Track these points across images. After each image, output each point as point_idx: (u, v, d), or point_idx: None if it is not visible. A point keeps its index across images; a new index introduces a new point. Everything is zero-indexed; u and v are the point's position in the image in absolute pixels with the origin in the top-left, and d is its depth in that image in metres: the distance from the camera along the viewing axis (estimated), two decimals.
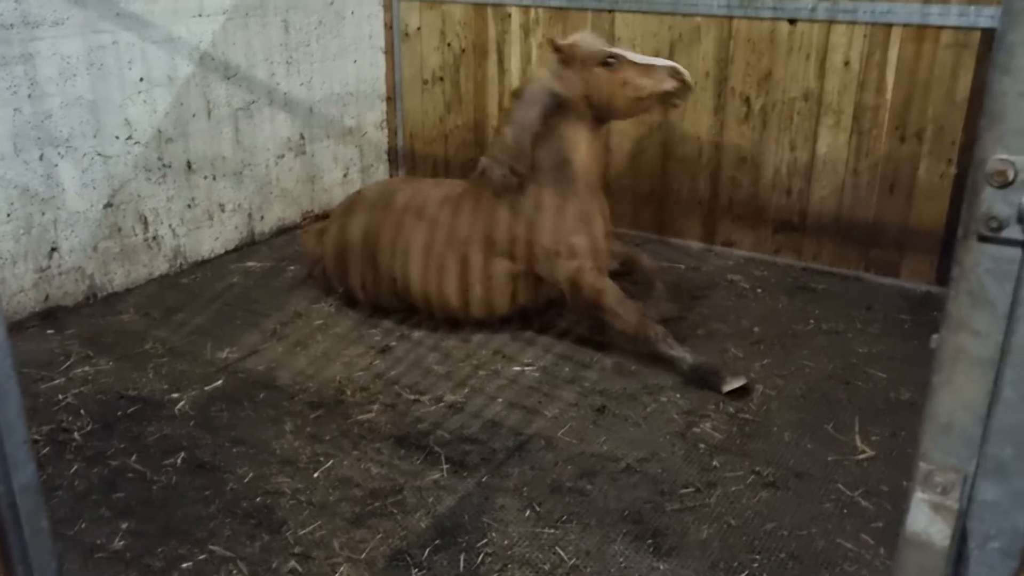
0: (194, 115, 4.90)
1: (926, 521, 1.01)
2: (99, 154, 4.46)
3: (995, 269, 0.92)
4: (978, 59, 4.37)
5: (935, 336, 1.01)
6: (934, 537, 1.01)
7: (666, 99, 3.86)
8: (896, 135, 4.65)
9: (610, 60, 3.83)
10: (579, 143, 3.98)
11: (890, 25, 4.52)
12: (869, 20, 4.55)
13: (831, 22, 4.66)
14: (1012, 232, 0.89)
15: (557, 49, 3.93)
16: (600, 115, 3.99)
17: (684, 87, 3.80)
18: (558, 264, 4.00)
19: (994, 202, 0.89)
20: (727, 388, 3.70)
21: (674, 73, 3.78)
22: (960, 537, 1.03)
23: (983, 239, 0.91)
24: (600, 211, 4.12)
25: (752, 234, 5.21)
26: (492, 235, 4.07)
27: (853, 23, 4.61)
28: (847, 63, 4.68)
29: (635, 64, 3.83)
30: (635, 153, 5.42)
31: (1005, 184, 0.88)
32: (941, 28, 4.40)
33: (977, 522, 1.03)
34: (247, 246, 5.38)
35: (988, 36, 4.29)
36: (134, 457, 3.29)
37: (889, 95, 4.62)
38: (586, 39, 3.97)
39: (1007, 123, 0.87)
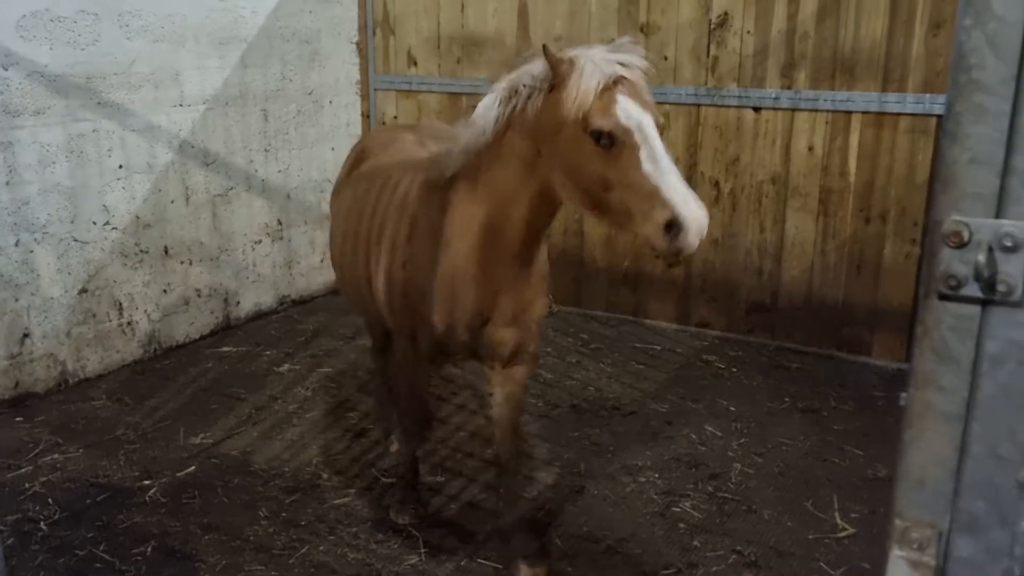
0: (172, 201, 4.94)
1: None
2: (76, 240, 4.47)
3: (957, 326, 0.96)
4: (936, 144, 4.54)
5: (903, 394, 1.03)
6: None
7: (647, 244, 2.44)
8: (861, 217, 4.78)
9: (608, 140, 2.48)
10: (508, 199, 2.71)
11: (850, 113, 4.70)
12: (830, 108, 4.73)
13: (794, 110, 4.84)
14: (970, 290, 0.93)
15: (552, 64, 2.50)
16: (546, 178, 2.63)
17: (673, 250, 2.34)
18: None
19: (951, 262, 0.93)
20: (393, 517, 3.40)
21: (676, 229, 2.32)
22: None
23: (943, 297, 0.95)
24: (506, 283, 2.82)
25: (725, 315, 5.27)
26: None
27: (815, 111, 4.78)
28: (811, 148, 4.84)
29: (641, 173, 2.44)
30: (608, 235, 5.51)
31: (961, 244, 0.92)
32: (899, 115, 4.58)
33: None
34: (222, 331, 5.36)
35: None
36: (102, 546, 3.21)
37: (852, 178, 4.77)
38: (589, 83, 2.50)
39: (959, 187, 0.92)
